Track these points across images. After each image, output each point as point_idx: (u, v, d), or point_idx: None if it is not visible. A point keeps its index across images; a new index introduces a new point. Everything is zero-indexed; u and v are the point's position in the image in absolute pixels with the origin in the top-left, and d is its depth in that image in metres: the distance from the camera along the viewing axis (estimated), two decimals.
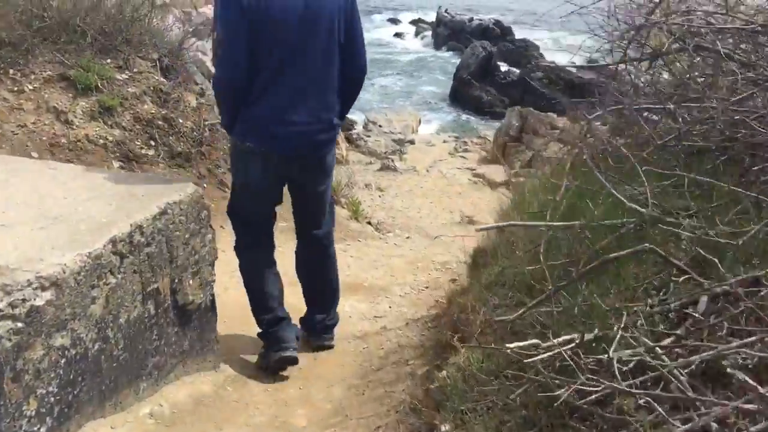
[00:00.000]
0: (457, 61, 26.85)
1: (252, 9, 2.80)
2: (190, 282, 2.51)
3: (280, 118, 2.99)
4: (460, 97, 24.55)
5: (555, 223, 2.03)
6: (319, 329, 3.60)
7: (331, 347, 3.59)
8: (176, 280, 2.43)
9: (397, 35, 32.60)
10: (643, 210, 1.97)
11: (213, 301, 2.78)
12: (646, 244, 1.65)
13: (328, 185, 3.40)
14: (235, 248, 3.36)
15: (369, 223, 7.01)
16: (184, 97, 5.89)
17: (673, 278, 1.76)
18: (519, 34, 30.92)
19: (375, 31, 32.05)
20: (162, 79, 5.80)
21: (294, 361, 3.31)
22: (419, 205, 8.24)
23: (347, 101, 3.22)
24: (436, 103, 24.44)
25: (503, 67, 26.25)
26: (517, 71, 25.35)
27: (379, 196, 8.56)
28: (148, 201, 2.34)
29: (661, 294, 1.77)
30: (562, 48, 34.76)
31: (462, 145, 11.70)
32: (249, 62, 2.87)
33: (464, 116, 23.38)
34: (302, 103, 2.99)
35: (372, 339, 3.49)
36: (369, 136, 11.87)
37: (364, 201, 7.28)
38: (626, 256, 1.75)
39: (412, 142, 12.08)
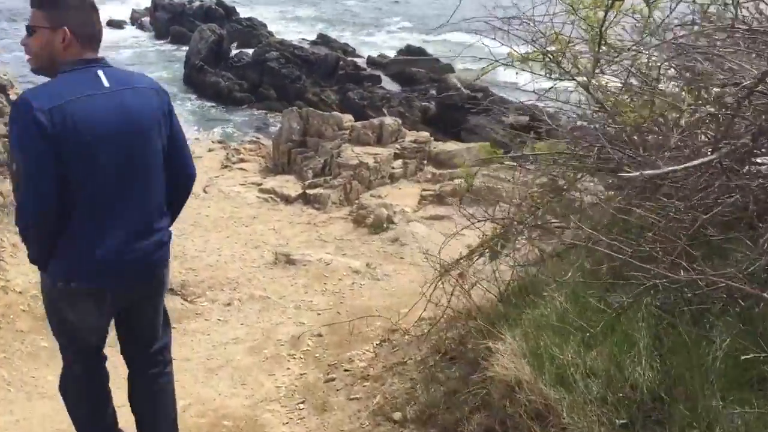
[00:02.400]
0: (181, 48, 25.06)
1: (57, 132, 2.36)
2: None
3: (114, 251, 2.56)
4: (197, 85, 22.98)
5: None
6: None
7: None
8: None
9: (111, 24, 29.48)
10: None
11: None
12: None
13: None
14: (62, 375, 2.80)
15: (171, 289, 5.61)
16: None
17: None
18: (243, 12, 29.65)
19: None
20: None
21: None
22: (217, 245, 6.93)
23: (177, 209, 2.85)
24: (173, 94, 22.53)
25: (234, 49, 25.02)
26: (250, 52, 24.32)
27: None
28: None
29: None
30: (289, 20, 34.20)
31: (234, 153, 10.25)
32: (58, 192, 2.44)
33: (207, 105, 21.91)
34: (134, 228, 2.59)
35: None
36: None
37: None
38: None
39: None
